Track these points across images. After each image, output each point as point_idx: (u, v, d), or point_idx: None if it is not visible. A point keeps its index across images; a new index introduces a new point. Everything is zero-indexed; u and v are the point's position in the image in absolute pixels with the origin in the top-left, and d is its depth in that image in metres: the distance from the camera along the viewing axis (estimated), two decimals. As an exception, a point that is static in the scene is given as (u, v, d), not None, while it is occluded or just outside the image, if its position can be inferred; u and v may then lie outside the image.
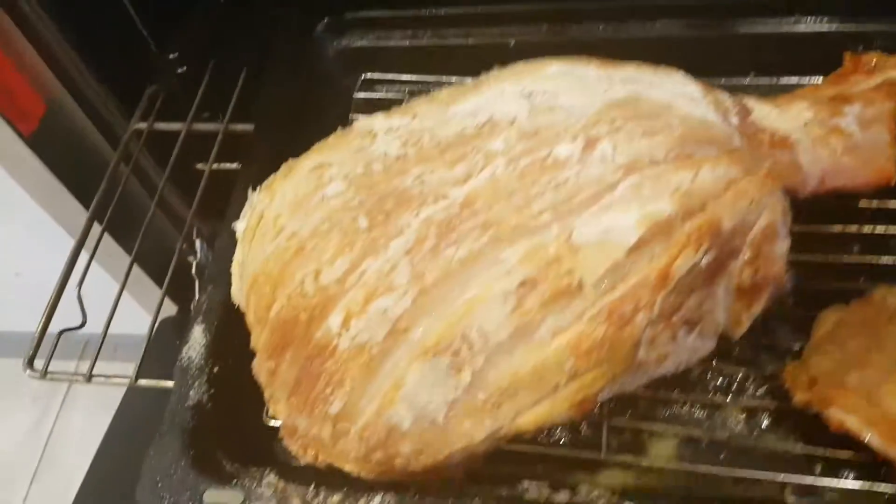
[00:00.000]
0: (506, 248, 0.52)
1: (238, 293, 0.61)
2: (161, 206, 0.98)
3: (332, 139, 0.63)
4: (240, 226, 0.63)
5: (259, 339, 0.57)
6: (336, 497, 0.58)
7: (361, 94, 0.92)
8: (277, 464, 0.62)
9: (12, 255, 1.14)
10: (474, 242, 0.52)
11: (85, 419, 1.43)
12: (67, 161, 0.93)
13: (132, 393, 0.94)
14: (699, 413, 0.66)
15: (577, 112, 0.57)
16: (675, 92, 0.61)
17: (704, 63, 0.80)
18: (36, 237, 0.99)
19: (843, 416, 0.59)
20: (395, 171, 0.56)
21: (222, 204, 0.76)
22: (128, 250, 0.97)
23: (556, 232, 0.51)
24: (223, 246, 0.69)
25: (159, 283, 1.04)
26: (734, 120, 0.67)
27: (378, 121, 0.61)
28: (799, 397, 0.61)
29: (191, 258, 0.98)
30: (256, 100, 0.88)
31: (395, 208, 0.54)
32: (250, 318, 0.59)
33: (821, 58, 0.80)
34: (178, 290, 0.89)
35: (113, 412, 0.98)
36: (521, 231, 0.52)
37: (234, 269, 0.63)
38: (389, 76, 0.92)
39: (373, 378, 0.52)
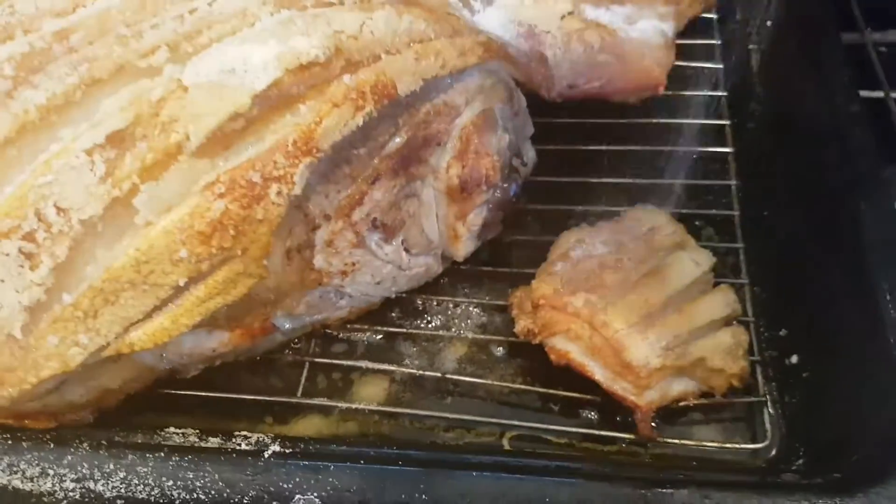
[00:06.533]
0: (103, 93, 0.38)
1: None
2: None
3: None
4: None
5: None
6: None
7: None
8: None
9: None
10: (60, 84, 0.38)
11: None
12: None
13: None
14: (421, 349, 0.55)
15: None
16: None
17: None
18: None
19: (565, 346, 0.49)
20: (-12, 4, 0.42)
21: None
22: None
23: (169, 73, 0.38)
24: None
25: None
26: (478, 6, 0.57)
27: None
28: (521, 325, 0.51)
29: None
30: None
31: (-32, 45, 0.40)
32: None
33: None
34: None
35: None
36: (124, 71, 0.39)
37: None
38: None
39: (-82, 270, 0.38)
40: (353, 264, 0.47)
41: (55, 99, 0.38)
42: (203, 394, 0.51)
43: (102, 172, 0.37)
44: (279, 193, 0.38)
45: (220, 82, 0.37)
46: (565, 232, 0.55)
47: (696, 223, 0.59)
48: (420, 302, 0.56)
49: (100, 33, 0.40)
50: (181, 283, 0.39)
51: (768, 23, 0.65)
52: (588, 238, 0.53)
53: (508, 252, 0.59)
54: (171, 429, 0.46)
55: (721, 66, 0.68)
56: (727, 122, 0.64)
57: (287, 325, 0.50)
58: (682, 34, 0.66)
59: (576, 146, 0.63)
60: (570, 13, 0.61)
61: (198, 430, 0.46)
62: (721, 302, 0.48)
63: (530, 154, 0.58)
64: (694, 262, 0.50)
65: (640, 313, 0.46)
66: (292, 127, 0.38)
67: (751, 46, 0.67)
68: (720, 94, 0.66)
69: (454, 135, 0.47)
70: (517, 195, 0.55)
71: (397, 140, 0.45)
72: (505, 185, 0.52)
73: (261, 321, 0.46)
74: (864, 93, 0.62)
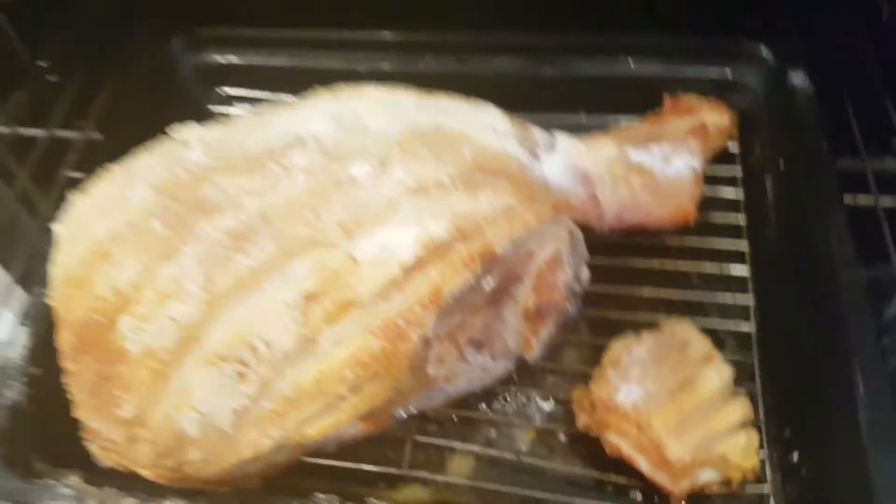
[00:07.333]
0: (295, 260, 0.54)
1: (52, 295, 0.62)
2: (26, 204, 0.99)
3: (149, 146, 0.65)
4: (58, 228, 0.63)
5: (61, 340, 0.58)
6: (130, 500, 0.59)
7: (215, 107, 0.94)
8: (88, 464, 0.62)
9: None
10: (264, 253, 0.54)
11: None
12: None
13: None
14: (499, 432, 0.70)
15: (379, 135, 0.61)
16: (480, 124, 0.66)
17: (538, 98, 0.86)
18: None
19: (618, 441, 0.63)
20: (200, 178, 0.58)
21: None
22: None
23: (343, 247, 0.54)
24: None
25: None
26: (542, 154, 0.72)
27: (195, 131, 0.63)
28: (581, 421, 0.65)
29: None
30: (110, 111, 0.90)
31: (193, 215, 0.56)
32: (59, 319, 0.60)
33: (645, 99, 0.86)
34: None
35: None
36: (311, 244, 0.55)
37: (52, 269, 0.63)
38: (244, 92, 0.94)
39: (163, 384, 0.54)
40: (455, 373, 0.62)
41: (260, 264, 0.54)
42: (332, 462, 0.66)
43: (297, 318, 0.53)
44: (416, 334, 0.54)
45: (379, 257, 0.53)
46: (615, 341, 0.69)
47: (721, 334, 0.72)
48: (499, 393, 0.71)
49: (289, 213, 0.55)
50: (345, 394, 0.55)
51: (781, 161, 0.79)
52: (635, 348, 0.67)
53: (566, 352, 0.74)
54: (319, 494, 0.61)
55: (742, 193, 0.81)
56: (746, 246, 0.78)
57: (402, 415, 0.65)
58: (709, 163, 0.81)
59: (621, 259, 0.78)
60: (617, 158, 0.76)
61: (339, 497, 0.61)
62: (739, 410, 0.62)
63: (585, 274, 0.72)
64: (718, 375, 0.64)
65: (677, 418, 0.61)
66: (426, 286, 0.54)
67: (766, 177, 0.81)
68: (740, 219, 0.80)
69: (531, 273, 0.62)
70: (577, 312, 0.70)
71: (492, 282, 0.60)
72: (568, 307, 0.67)
73: (386, 415, 0.62)
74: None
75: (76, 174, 0.87)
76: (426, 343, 0.57)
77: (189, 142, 0.61)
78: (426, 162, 0.58)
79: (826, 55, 0.83)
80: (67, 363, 0.59)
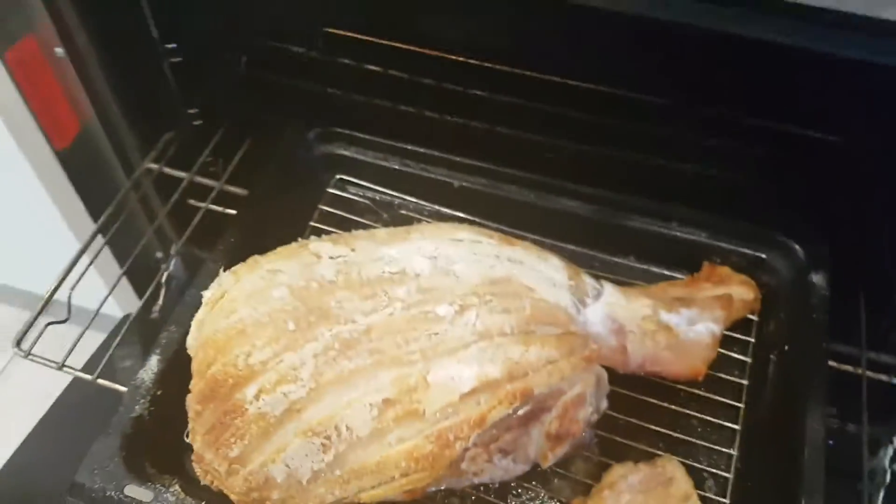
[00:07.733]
0: (383, 371, 0.72)
1: (191, 343, 0.81)
2: (160, 238, 1.21)
3: (291, 248, 0.84)
4: (207, 294, 0.83)
5: (194, 386, 0.77)
6: (220, 514, 0.78)
7: (332, 190, 1.14)
8: (188, 477, 0.81)
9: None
10: (362, 361, 0.72)
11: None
12: (87, 178, 1.16)
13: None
14: (508, 516, 0.87)
15: (463, 281, 0.79)
16: (542, 277, 0.83)
17: (598, 240, 1.04)
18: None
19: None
20: (326, 291, 0.77)
21: (200, 231, 1.06)
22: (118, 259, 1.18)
23: (420, 369, 0.72)
24: (190, 301, 0.89)
25: (133, 284, 1.24)
26: (589, 301, 0.89)
27: (326, 246, 0.82)
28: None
29: (163, 266, 1.17)
30: (256, 173, 1.11)
31: (316, 320, 0.74)
32: (194, 367, 0.79)
33: (687, 259, 1.03)
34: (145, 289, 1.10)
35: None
36: (397, 362, 0.73)
37: (194, 323, 0.83)
38: (357, 181, 1.14)
39: (266, 439, 0.72)
40: (482, 470, 0.79)
41: (357, 368, 0.72)
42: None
43: (375, 415, 0.71)
44: (460, 445, 0.72)
45: (444, 383, 0.71)
46: (616, 465, 0.86)
47: (704, 475, 0.88)
48: (513, 487, 0.88)
49: (386, 334, 0.73)
50: (396, 477, 0.72)
51: (786, 345, 0.95)
52: (630, 476, 0.84)
53: (575, 462, 0.90)
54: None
55: (750, 359, 0.96)
56: (742, 405, 0.93)
57: (433, 489, 0.82)
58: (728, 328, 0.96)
59: (636, 394, 0.93)
60: (650, 316, 0.93)
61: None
62: (697, 547, 0.79)
63: (603, 405, 0.89)
64: (691, 515, 0.80)
65: (650, 543, 0.78)
66: (476, 412, 0.72)
67: (771, 356, 0.96)
68: (743, 381, 0.95)
69: (558, 405, 0.79)
70: (590, 439, 0.87)
71: (526, 410, 0.77)
72: (583, 435, 0.84)
73: (423, 491, 0.79)
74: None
75: (210, 207, 1.11)
76: (465, 450, 0.74)
77: (321, 256, 0.80)
78: (495, 313, 0.76)
79: (851, 252, 0.97)
80: (194, 404, 0.78)
